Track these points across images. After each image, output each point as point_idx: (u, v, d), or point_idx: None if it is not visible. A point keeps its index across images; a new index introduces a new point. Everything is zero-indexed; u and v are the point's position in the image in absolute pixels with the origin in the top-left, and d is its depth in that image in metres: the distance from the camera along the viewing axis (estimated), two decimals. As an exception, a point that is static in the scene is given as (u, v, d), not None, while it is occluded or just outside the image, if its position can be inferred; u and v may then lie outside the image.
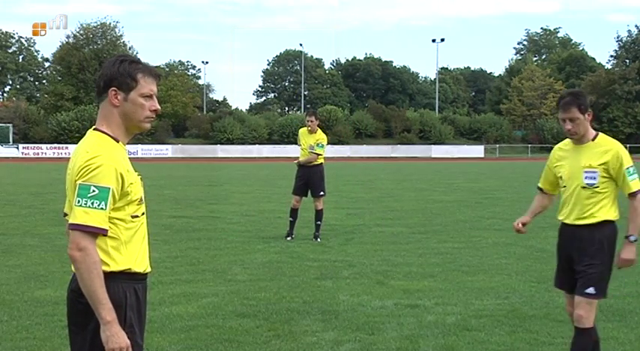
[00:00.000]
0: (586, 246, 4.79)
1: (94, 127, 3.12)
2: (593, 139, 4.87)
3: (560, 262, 5.05)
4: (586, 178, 4.78)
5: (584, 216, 4.81)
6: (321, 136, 12.08)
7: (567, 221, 4.90)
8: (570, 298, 5.00)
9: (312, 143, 11.98)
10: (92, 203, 2.89)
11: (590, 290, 4.77)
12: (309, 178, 11.99)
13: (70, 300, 3.07)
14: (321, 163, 12.06)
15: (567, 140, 5.02)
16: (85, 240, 2.88)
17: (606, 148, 4.85)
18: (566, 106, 4.80)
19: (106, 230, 2.93)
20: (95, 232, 2.90)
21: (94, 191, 2.89)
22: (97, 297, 2.86)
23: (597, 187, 4.77)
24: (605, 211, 4.82)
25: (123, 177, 2.98)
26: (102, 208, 2.90)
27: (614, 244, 4.88)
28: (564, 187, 4.93)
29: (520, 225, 5.17)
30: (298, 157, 12.25)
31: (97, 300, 2.87)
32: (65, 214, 3.13)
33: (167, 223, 13.91)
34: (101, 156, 2.94)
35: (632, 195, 4.79)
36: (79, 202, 2.89)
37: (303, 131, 12.22)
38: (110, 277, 2.94)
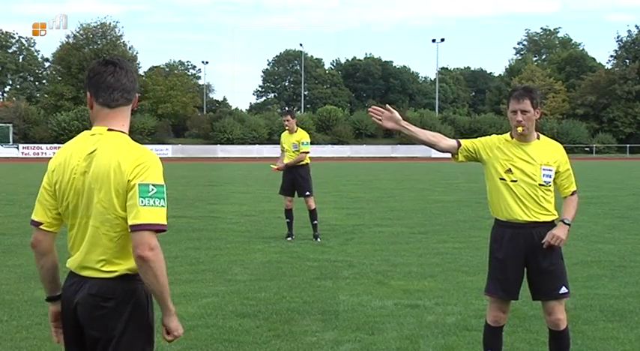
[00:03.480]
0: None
1: (113, 128, 3.04)
2: (538, 138, 4.86)
3: (509, 266, 4.77)
4: (544, 175, 4.75)
5: (542, 213, 4.75)
6: (302, 134, 12.06)
7: (525, 219, 4.71)
8: (501, 304, 4.86)
9: (294, 142, 11.94)
10: (154, 202, 2.92)
11: (563, 290, 4.79)
12: (294, 179, 11.97)
13: (90, 305, 2.98)
14: (307, 164, 12.02)
15: (507, 135, 4.93)
16: (154, 239, 2.91)
17: (553, 146, 4.88)
18: (520, 97, 4.71)
19: (167, 227, 2.98)
20: (161, 230, 2.94)
21: (152, 190, 2.92)
22: (167, 291, 2.95)
23: (550, 184, 4.78)
24: (553, 208, 4.84)
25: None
26: (162, 206, 2.94)
27: None
28: (514, 181, 4.73)
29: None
30: (277, 163, 12.08)
31: (167, 293, 2.96)
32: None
33: (167, 223, 13.87)
34: (147, 154, 2.98)
35: (572, 192, 4.88)
36: (142, 202, 2.90)
37: (284, 134, 12.20)
38: (137, 278, 2.97)
